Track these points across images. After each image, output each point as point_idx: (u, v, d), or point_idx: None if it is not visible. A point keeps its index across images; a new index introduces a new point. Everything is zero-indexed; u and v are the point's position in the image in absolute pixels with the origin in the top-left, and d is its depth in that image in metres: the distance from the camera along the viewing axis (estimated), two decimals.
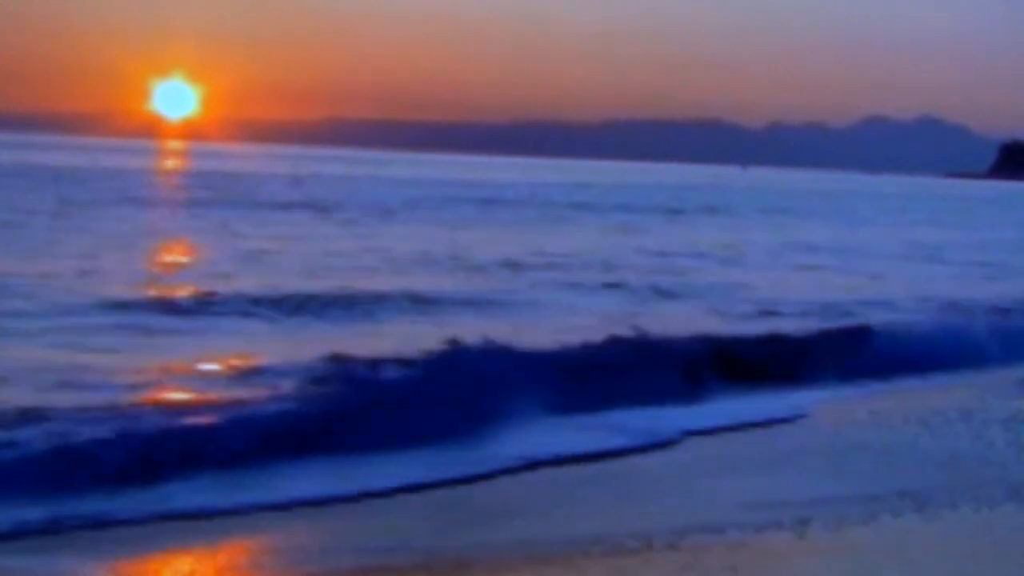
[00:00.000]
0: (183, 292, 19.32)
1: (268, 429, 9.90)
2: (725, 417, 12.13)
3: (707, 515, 8.48)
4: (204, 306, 17.80)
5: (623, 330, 14.82)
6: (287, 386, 11.67)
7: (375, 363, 12.41)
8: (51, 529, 7.88)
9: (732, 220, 54.03)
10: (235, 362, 13.39)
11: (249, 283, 20.45)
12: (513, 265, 26.55)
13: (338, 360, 13.00)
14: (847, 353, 15.50)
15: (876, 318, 18.99)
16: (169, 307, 17.75)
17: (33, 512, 8.02)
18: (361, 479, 9.24)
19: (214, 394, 11.56)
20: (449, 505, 8.90)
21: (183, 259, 26.54)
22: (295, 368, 12.68)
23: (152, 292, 19.43)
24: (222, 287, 19.58)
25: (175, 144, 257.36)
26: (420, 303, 19.12)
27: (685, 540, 7.73)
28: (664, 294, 22.47)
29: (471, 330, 14.52)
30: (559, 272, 25.64)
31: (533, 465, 9.90)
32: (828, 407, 13.00)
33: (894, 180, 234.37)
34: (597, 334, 14.70)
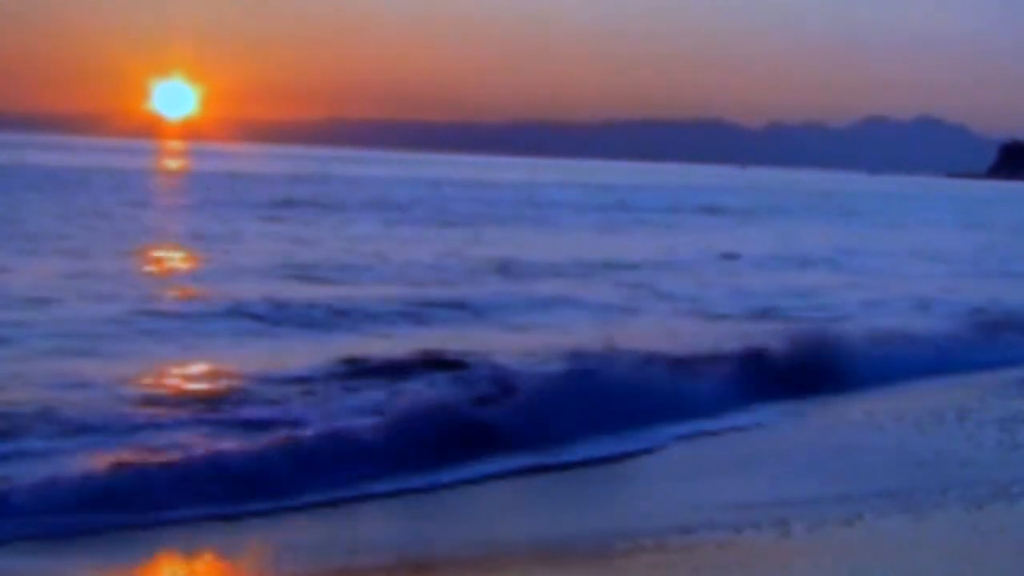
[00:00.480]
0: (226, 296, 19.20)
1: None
2: (715, 422, 12.09)
3: (695, 516, 8.54)
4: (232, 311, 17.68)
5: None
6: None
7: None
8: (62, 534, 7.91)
9: (741, 219, 54.23)
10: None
11: (288, 289, 20.38)
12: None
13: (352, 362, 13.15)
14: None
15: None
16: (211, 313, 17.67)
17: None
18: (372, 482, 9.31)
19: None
20: (442, 508, 8.95)
21: (223, 261, 26.11)
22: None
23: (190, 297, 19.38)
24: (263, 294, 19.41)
25: (175, 144, 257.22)
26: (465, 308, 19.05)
27: (673, 540, 7.79)
28: (664, 297, 22.41)
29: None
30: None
31: (527, 471, 9.95)
32: (821, 410, 12.97)
33: (894, 180, 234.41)
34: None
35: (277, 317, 17.33)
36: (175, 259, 26.89)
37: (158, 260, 26.49)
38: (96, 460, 9.12)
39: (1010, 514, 8.79)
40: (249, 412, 11.09)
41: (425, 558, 7.56)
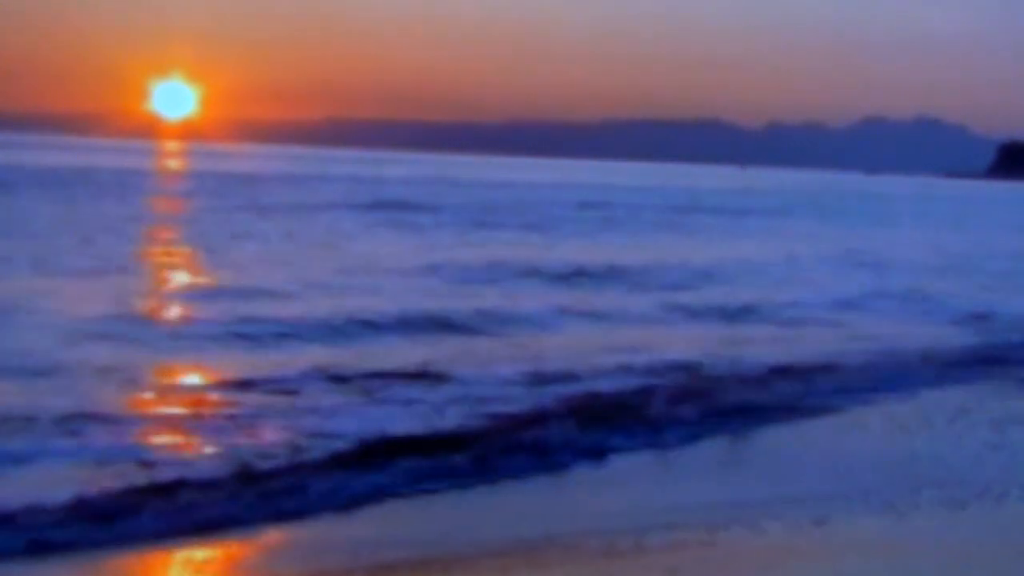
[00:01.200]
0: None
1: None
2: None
3: (674, 516, 8.61)
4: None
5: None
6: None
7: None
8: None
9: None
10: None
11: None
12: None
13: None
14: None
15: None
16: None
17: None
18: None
19: None
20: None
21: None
22: None
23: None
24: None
25: (175, 144, 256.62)
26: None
27: (650, 540, 7.88)
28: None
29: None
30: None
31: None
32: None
33: (893, 180, 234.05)
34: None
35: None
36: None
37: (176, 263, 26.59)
38: (92, 471, 9.24)
39: (992, 514, 8.87)
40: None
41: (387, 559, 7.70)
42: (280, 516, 8.59)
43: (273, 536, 8.30)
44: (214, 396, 12.33)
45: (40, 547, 7.73)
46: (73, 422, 10.66)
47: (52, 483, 8.82)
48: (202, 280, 23.00)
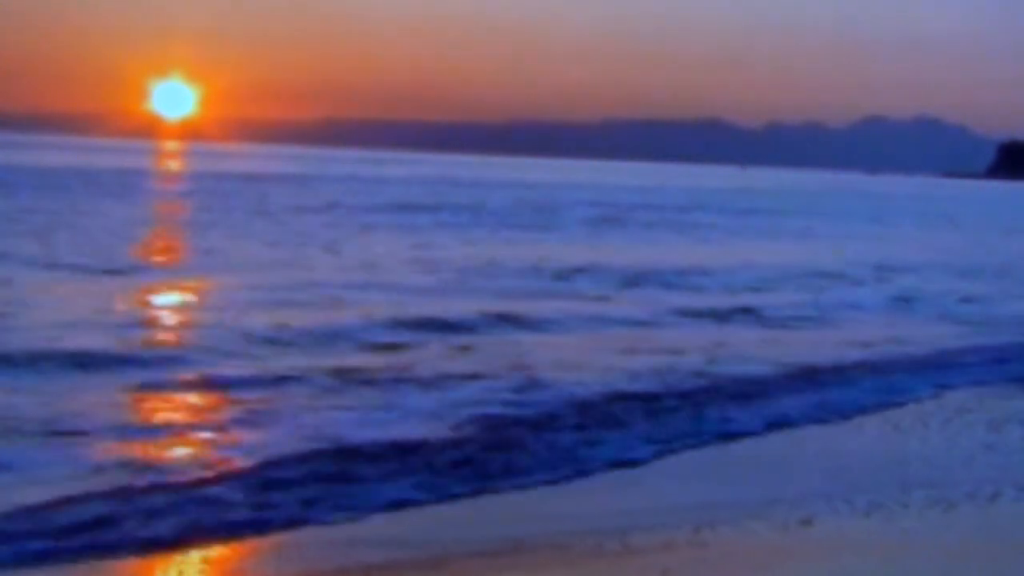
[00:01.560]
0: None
1: None
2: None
3: (667, 517, 8.61)
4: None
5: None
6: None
7: None
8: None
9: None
10: None
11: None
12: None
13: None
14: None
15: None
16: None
17: None
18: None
19: None
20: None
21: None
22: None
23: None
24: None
25: (175, 144, 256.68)
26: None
27: (642, 541, 7.88)
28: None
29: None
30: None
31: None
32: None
33: (894, 180, 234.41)
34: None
35: None
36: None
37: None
38: (78, 477, 9.16)
39: (984, 514, 8.86)
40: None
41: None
42: (276, 520, 8.52)
43: (268, 540, 8.27)
44: (208, 398, 12.29)
45: (23, 558, 7.63)
46: (60, 424, 10.60)
47: (37, 489, 8.75)
48: (198, 280, 22.93)
